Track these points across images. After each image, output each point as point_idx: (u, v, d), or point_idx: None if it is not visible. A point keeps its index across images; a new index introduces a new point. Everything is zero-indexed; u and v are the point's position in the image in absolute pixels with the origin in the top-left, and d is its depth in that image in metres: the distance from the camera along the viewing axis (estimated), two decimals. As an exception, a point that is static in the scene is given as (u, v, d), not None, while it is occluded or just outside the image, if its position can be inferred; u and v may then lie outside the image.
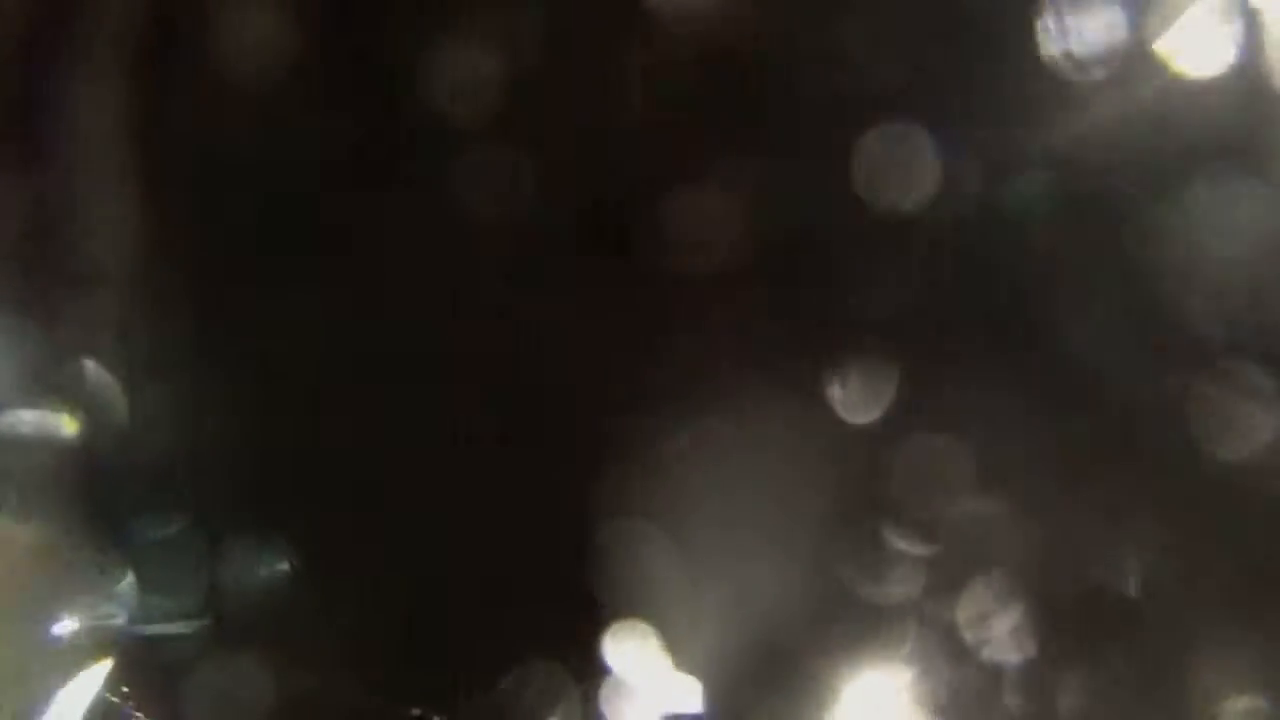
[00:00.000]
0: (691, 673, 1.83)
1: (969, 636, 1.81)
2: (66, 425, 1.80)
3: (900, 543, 1.82)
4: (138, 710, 1.76)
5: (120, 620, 1.78)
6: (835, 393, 1.82)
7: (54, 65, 1.85)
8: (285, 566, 1.84)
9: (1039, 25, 1.80)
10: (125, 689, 1.76)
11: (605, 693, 1.82)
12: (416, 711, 1.80)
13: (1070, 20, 1.79)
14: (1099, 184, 1.80)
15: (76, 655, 1.75)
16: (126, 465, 1.82)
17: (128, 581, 1.79)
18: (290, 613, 1.83)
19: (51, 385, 1.80)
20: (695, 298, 1.83)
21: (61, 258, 1.84)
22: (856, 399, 1.82)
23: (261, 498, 1.84)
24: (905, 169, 1.81)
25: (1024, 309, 1.82)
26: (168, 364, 1.84)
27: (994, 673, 1.81)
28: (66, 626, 1.75)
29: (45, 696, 1.72)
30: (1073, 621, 1.80)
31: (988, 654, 1.81)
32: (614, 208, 1.84)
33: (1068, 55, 1.79)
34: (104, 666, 1.75)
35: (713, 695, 1.83)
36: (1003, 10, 1.81)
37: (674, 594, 1.83)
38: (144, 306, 1.85)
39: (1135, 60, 1.78)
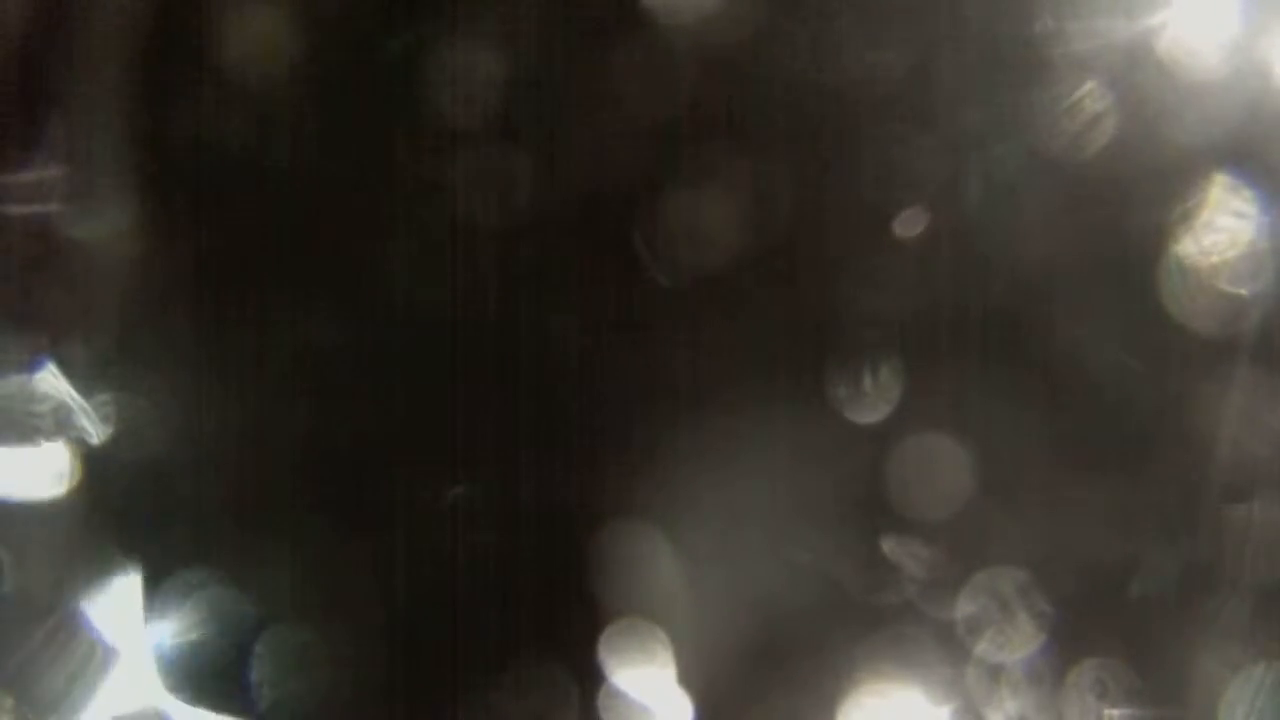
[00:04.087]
0: (691, 673, 1.83)
1: (969, 636, 1.81)
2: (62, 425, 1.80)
3: (900, 542, 1.82)
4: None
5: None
6: (835, 392, 1.82)
7: (54, 65, 1.85)
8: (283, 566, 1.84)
9: (1038, 25, 1.80)
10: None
11: (604, 693, 1.82)
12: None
13: (1069, 20, 1.79)
14: (1097, 183, 1.80)
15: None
16: (123, 463, 1.82)
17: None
18: (291, 612, 1.83)
19: (45, 386, 1.80)
20: (695, 298, 1.83)
21: (60, 258, 1.84)
22: (856, 398, 1.82)
23: (260, 496, 1.84)
24: (905, 169, 1.81)
25: (1023, 309, 1.81)
26: (166, 363, 1.84)
27: (994, 671, 1.81)
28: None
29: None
30: (1073, 619, 1.80)
31: (987, 653, 1.81)
32: (614, 208, 1.84)
33: (1067, 55, 1.79)
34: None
35: (712, 695, 1.83)
36: (1003, 11, 1.81)
37: (674, 594, 1.83)
38: (142, 306, 1.85)
39: (1135, 60, 1.79)
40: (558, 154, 1.84)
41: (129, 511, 1.82)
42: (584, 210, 1.85)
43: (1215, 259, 1.79)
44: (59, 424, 1.80)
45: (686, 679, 1.83)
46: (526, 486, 1.83)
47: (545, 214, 1.85)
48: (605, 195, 1.85)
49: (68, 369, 1.81)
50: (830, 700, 1.82)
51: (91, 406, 1.81)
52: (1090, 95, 1.79)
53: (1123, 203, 1.80)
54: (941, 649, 1.81)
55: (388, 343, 1.85)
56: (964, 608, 1.81)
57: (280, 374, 1.85)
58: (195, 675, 1.81)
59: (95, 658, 1.78)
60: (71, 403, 1.79)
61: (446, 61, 1.84)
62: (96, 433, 1.81)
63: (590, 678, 1.82)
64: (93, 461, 1.81)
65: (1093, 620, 1.81)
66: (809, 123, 1.83)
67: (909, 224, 1.81)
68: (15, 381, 1.80)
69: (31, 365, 1.80)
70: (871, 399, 1.82)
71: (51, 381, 1.80)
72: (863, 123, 1.81)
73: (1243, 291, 1.79)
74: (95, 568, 1.81)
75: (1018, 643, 1.81)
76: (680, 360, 1.84)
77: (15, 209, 1.83)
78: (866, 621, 1.82)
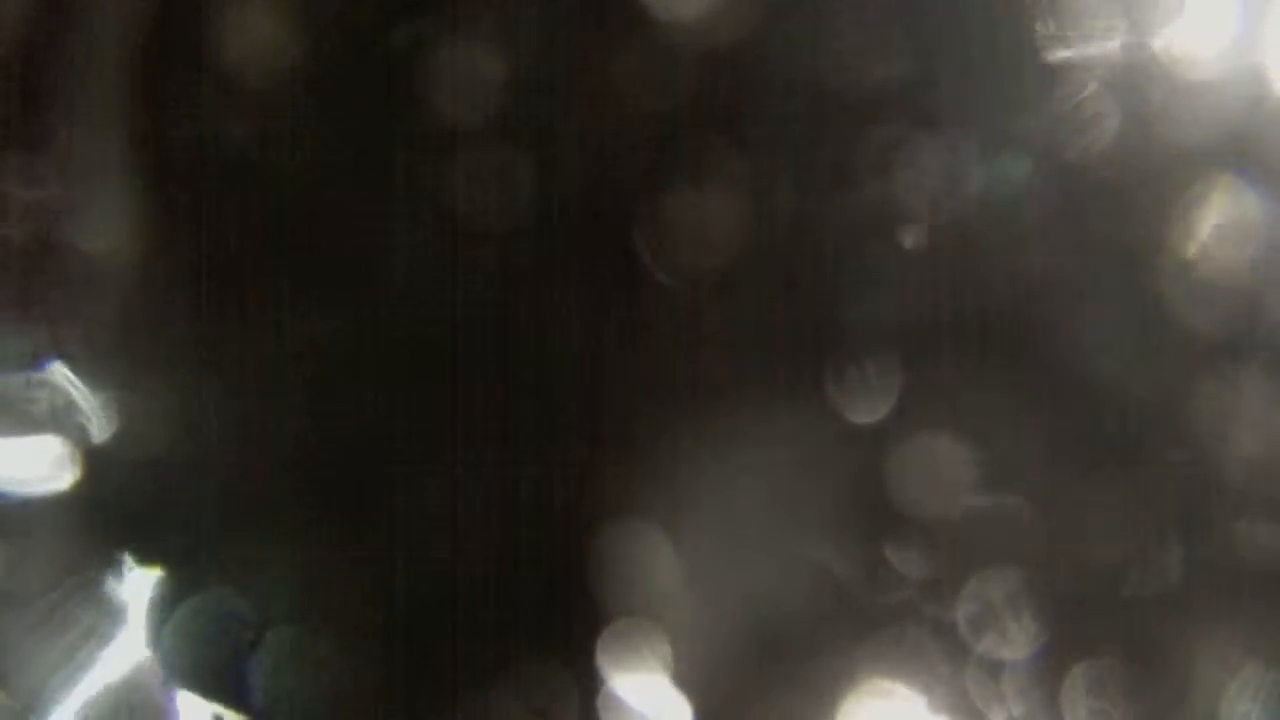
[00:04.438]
0: (690, 673, 1.83)
1: (969, 636, 1.81)
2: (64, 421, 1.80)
3: (900, 542, 1.82)
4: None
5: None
6: (836, 392, 1.82)
7: (54, 65, 1.85)
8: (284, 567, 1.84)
9: (1039, 26, 1.80)
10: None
11: (604, 693, 1.82)
12: None
13: (1070, 22, 1.79)
14: (1098, 184, 1.80)
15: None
16: (124, 464, 1.82)
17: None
18: (290, 612, 1.83)
19: (49, 384, 1.80)
20: (695, 298, 1.84)
21: (61, 258, 1.84)
22: (856, 399, 1.82)
23: (260, 497, 1.84)
24: (906, 170, 1.81)
25: (1024, 309, 1.82)
26: (167, 363, 1.84)
27: (994, 671, 1.81)
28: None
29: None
30: (1073, 619, 1.80)
31: (987, 653, 1.81)
32: (614, 208, 1.84)
33: (1067, 56, 1.79)
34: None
35: (712, 695, 1.83)
36: (1002, 11, 1.81)
37: (674, 594, 1.83)
38: (143, 306, 1.85)
39: (1135, 61, 1.79)
40: (558, 154, 1.84)
41: (130, 509, 1.82)
42: (584, 210, 1.85)
43: (1216, 259, 1.79)
44: (64, 421, 1.80)
45: (686, 679, 1.83)
46: (526, 486, 1.83)
47: (545, 214, 1.85)
48: (605, 195, 1.85)
49: (71, 368, 1.81)
50: (830, 700, 1.82)
51: (95, 404, 1.81)
52: (1092, 96, 1.79)
53: (1124, 203, 1.80)
54: (941, 649, 1.81)
55: (387, 343, 1.85)
56: (964, 608, 1.81)
57: (280, 374, 1.85)
58: (195, 674, 1.81)
59: (96, 655, 1.78)
60: (76, 400, 1.79)
61: (447, 61, 1.85)
62: (100, 430, 1.81)
63: (590, 678, 1.82)
64: (96, 459, 1.81)
65: (1093, 620, 1.81)
66: (809, 123, 1.83)
67: (910, 224, 1.82)
68: (21, 377, 1.80)
69: (37, 362, 1.80)
70: (872, 399, 1.82)
71: (57, 378, 1.80)
72: (864, 123, 1.81)
73: (1243, 292, 1.79)
74: (96, 565, 1.81)
75: (1018, 643, 1.81)
76: (680, 360, 1.84)
77: (17, 209, 1.83)
78: (867, 621, 1.82)
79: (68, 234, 1.84)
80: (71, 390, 1.80)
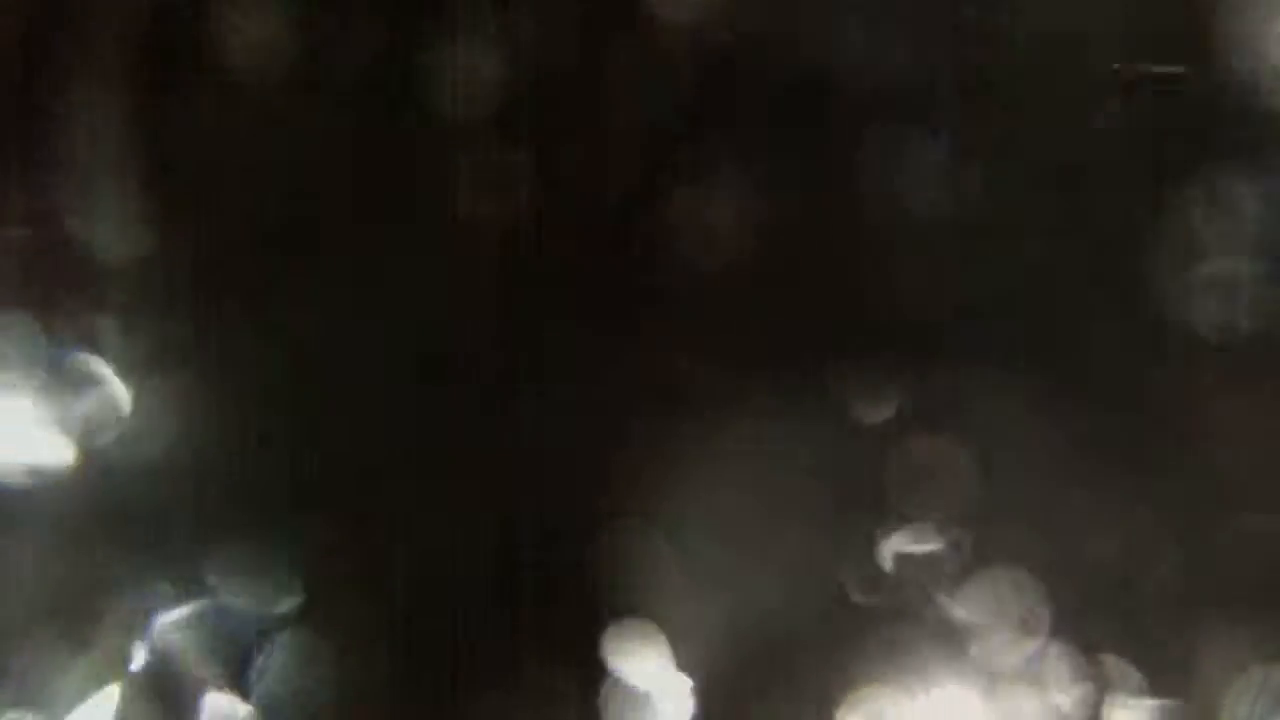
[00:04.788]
0: (691, 674, 1.83)
1: (969, 636, 1.81)
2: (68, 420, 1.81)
3: (900, 542, 1.82)
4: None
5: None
6: (837, 392, 1.82)
7: (54, 65, 1.85)
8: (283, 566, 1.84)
9: (1039, 27, 1.80)
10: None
11: (603, 694, 1.82)
12: None
13: (1072, 21, 1.80)
14: (1099, 184, 1.81)
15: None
16: (128, 464, 1.82)
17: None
18: (290, 612, 1.83)
19: (52, 384, 1.80)
20: (696, 298, 1.84)
21: (61, 257, 1.84)
22: (858, 399, 1.82)
23: (261, 497, 1.84)
24: (906, 169, 1.82)
25: (1024, 309, 1.82)
26: (169, 363, 1.84)
27: (995, 672, 1.81)
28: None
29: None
30: (1074, 619, 1.80)
31: (988, 653, 1.81)
32: (614, 208, 1.85)
33: (1069, 55, 1.80)
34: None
35: (712, 697, 1.83)
36: (1002, 11, 1.82)
37: (674, 594, 1.83)
38: (144, 306, 1.85)
39: (1135, 60, 1.79)
40: (558, 153, 1.85)
41: (134, 510, 1.82)
42: (584, 210, 1.85)
43: (1216, 259, 1.79)
44: (82, 414, 1.80)
45: (686, 680, 1.83)
46: (526, 487, 1.84)
47: (545, 214, 1.85)
48: (605, 195, 1.85)
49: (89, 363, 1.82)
50: (830, 701, 1.82)
51: (116, 398, 1.81)
52: (1092, 94, 1.79)
53: (1125, 202, 1.80)
54: (941, 649, 1.82)
55: (387, 342, 1.86)
56: (964, 608, 1.82)
57: (281, 374, 1.85)
58: (207, 673, 1.82)
59: (107, 656, 1.78)
60: (97, 393, 1.80)
61: (447, 62, 1.85)
62: (119, 424, 1.81)
63: (590, 678, 1.82)
64: (104, 456, 1.82)
65: (1094, 620, 1.81)
66: (811, 122, 1.83)
67: (911, 224, 1.82)
68: (39, 371, 1.80)
69: (54, 357, 1.81)
70: (874, 399, 1.82)
71: (80, 370, 1.80)
72: (866, 122, 1.81)
73: (1243, 291, 1.79)
74: (105, 565, 1.81)
75: (1018, 643, 1.81)
76: (680, 360, 1.84)
77: (19, 210, 1.84)
78: (867, 621, 1.82)
79: (69, 234, 1.85)
80: (93, 383, 1.81)
